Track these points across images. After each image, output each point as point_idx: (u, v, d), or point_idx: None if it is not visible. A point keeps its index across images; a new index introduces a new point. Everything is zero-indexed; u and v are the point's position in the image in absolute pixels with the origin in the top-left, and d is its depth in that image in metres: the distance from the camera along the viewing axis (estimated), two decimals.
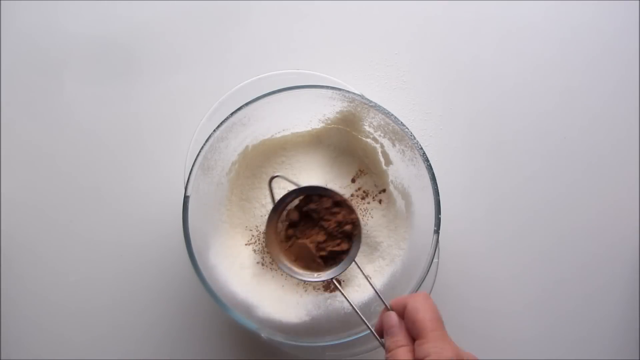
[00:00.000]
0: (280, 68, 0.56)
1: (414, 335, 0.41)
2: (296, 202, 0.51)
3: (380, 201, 0.57)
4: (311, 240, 0.50)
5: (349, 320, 0.51)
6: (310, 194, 0.50)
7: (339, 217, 0.49)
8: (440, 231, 0.48)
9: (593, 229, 0.62)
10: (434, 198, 0.48)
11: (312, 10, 0.65)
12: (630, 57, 0.64)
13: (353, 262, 0.49)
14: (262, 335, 0.47)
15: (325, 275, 0.49)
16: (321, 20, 0.65)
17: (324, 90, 0.50)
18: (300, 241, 0.50)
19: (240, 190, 0.57)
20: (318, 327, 0.52)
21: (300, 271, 0.50)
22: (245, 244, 0.56)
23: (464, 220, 0.61)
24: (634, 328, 0.61)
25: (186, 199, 0.48)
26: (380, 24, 0.65)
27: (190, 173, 0.48)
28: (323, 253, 0.50)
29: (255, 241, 0.56)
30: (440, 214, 0.48)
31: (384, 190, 0.57)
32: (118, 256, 0.60)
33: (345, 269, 0.49)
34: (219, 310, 0.50)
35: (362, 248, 0.55)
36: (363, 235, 0.56)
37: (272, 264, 0.55)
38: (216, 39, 0.64)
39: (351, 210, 0.49)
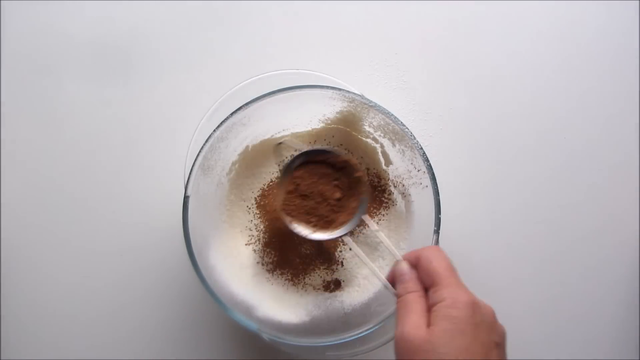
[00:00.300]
0: (280, 68, 0.56)
1: (427, 285, 0.41)
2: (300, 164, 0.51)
3: (380, 201, 0.57)
4: (320, 192, 0.51)
5: (349, 320, 0.51)
6: (315, 157, 0.50)
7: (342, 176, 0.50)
8: (440, 231, 0.48)
9: (593, 230, 0.62)
10: (434, 198, 0.48)
11: (312, 10, 0.64)
12: (630, 57, 0.64)
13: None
14: (263, 335, 0.47)
15: (337, 233, 0.49)
16: (321, 21, 0.64)
17: (324, 90, 0.50)
18: (310, 197, 0.50)
19: (240, 190, 0.57)
20: (318, 327, 0.52)
21: (310, 231, 0.50)
22: (245, 244, 0.56)
23: (464, 220, 0.61)
24: (634, 329, 0.61)
25: (186, 199, 0.48)
26: (380, 24, 0.65)
27: (190, 173, 0.48)
28: (337, 195, 0.50)
29: (255, 241, 0.56)
30: (440, 214, 0.48)
31: (384, 190, 0.57)
32: (118, 256, 0.60)
33: (355, 226, 0.49)
34: (219, 310, 0.50)
35: (362, 248, 0.55)
36: (363, 235, 0.56)
37: (271, 265, 0.55)
38: (216, 39, 0.64)
39: (355, 169, 0.50)
